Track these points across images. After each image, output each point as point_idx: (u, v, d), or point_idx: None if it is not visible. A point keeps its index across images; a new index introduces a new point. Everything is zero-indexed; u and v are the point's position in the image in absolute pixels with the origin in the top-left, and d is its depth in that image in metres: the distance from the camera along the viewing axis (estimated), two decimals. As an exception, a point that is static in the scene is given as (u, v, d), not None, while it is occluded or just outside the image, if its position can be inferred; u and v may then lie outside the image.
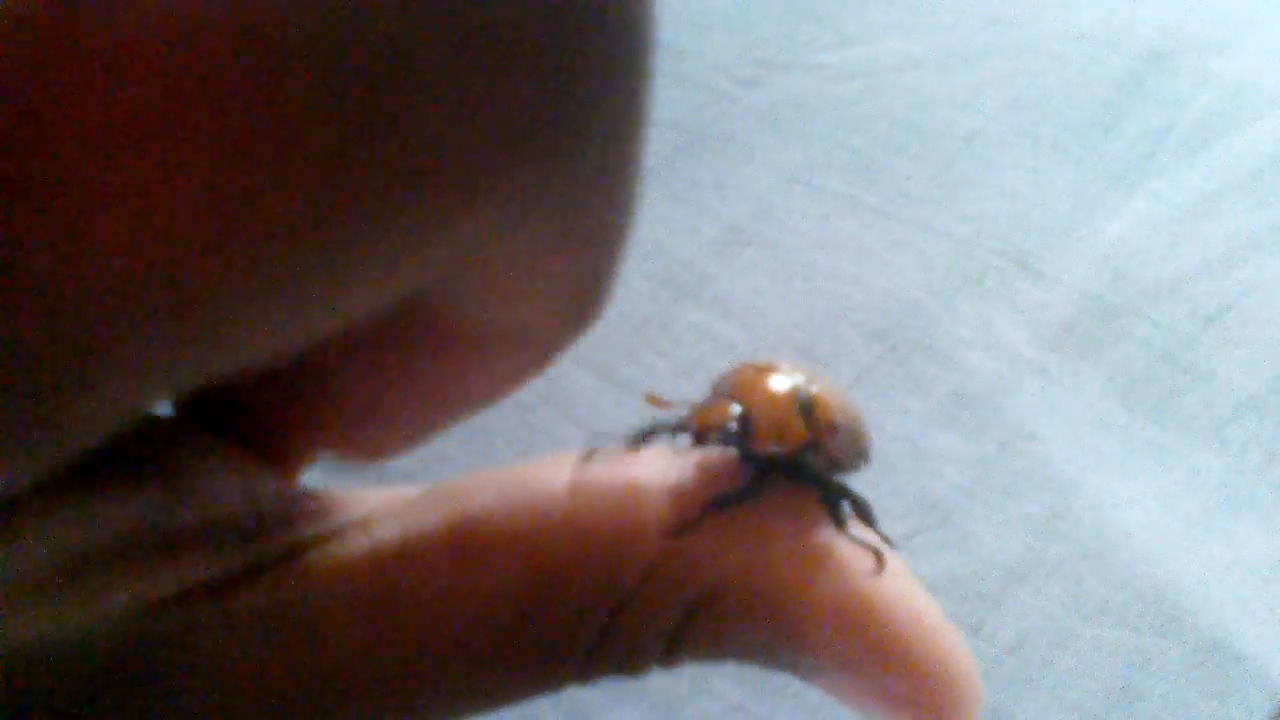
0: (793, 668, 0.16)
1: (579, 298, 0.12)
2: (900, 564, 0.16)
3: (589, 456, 0.15)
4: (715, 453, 0.16)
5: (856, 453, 0.18)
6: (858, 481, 0.28)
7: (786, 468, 0.16)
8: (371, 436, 0.14)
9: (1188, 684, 0.25)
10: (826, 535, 0.16)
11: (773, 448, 0.16)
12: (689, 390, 0.17)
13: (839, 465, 0.18)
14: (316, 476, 0.16)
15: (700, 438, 0.16)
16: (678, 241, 0.29)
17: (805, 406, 0.17)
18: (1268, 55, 0.38)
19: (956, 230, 0.34)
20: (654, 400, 0.17)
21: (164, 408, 0.14)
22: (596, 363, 0.29)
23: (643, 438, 0.17)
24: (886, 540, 0.17)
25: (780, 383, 0.17)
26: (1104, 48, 0.38)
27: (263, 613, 0.14)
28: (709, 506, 0.16)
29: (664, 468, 0.15)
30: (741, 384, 0.17)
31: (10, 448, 0.09)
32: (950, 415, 0.29)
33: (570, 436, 0.28)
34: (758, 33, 0.39)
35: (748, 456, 0.16)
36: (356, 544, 0.15)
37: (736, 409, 0.16)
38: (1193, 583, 0.27)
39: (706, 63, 0.38)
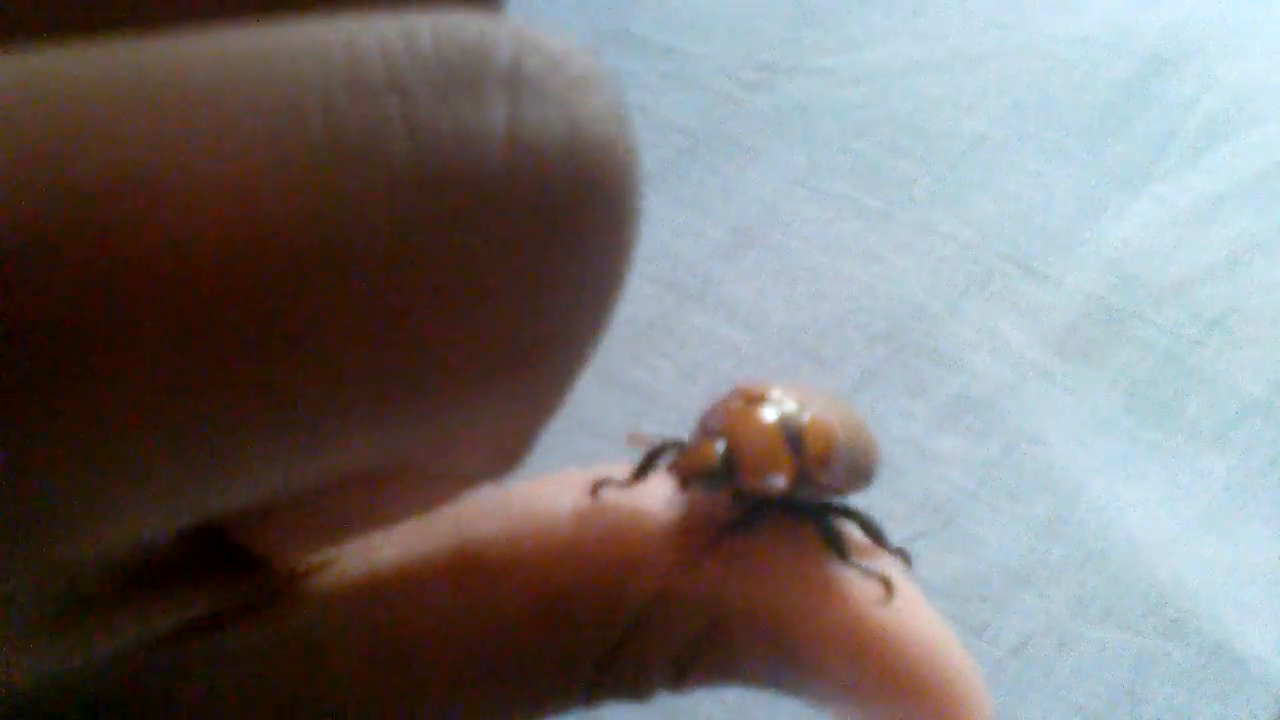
0: (800, 693, 0.16)
1: (512, 452, 0.12)
2: (909, 585, 0.16)
3: (593, 486, 0.15)
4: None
5: (858, 476, 0.18)
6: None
7: (783, 501, 0.16)
8: (292, 545, 0.14)
9: (1191, 686, 0.25)
10: (833, 563, 0.16)
11: (762, 485, 0.16)
12: (694, 392, 0.17)
13: (840, 491, 0.17)
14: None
15: (687, 484, 0.16)
16: (682, 245, 0.29)
17: (794, 438, 0.16)
18: (1272, 59, 0.38)
19: (961, 233, 0.34)
20: (635, 439, 0.17)
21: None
22: (601, 366, 0.29)
23: (643, 469, 0.16)
24: (904, 556, 0.17)
25: (768, 414, 0.16)
26: (1108, 52, 0.38)
27: (261, 644, 0.14)
28: (709, 543, 0.15)
29: (668, 494, 0.15)
30: (728, 417, 0.16)
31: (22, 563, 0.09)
32: (954, 418, 0.29)
33: (574, 439, 0.28)
34: (762, 37, 0.39)
35: (739, 494, 0.16)
36: (355, 567, 0.14)
37: (721, 447, 0.16)
38: (1197, 585, 0.27)
39: (711, 66, 0.38)
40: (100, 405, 0.08)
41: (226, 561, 0.13)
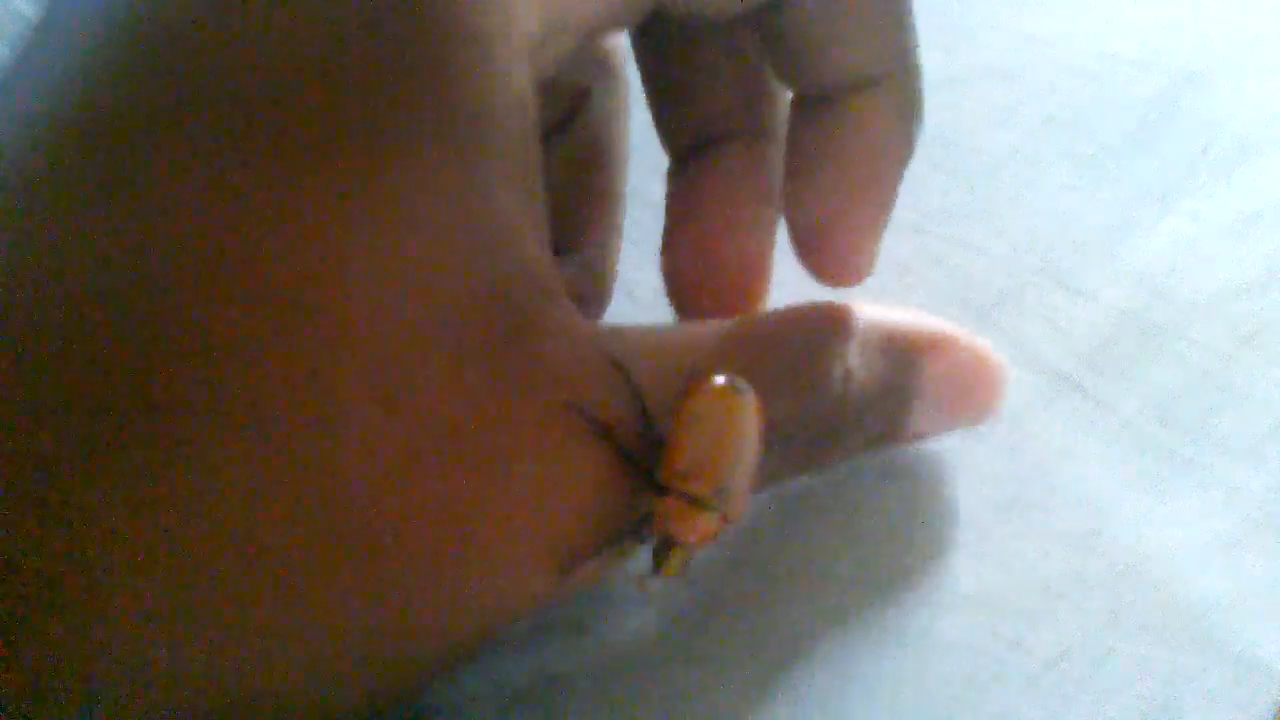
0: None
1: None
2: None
3: None
4: None
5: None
6: (893, 500, 0.28)
7: None
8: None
9: (1227, 702, 0.25)
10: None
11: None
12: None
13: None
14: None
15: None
16: (717, 255, 0.29)
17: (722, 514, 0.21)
18: (1305, 76, 0.38)
19: (993, 246, 0.34)
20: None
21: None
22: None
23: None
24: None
25: (709, 518, 0.21)
26: (1140, 68, 0.38)
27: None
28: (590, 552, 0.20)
29: None
30: (676, 524, 0.21)
31: None
32: (988, 431, 0.29)
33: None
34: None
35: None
36: None
37: (678, 557, 0.21)
38: (1232, 601, 0.27)
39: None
40: None
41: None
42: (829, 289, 0.27)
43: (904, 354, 0.25)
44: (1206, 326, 0.32)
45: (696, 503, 0.20)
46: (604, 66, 0.27)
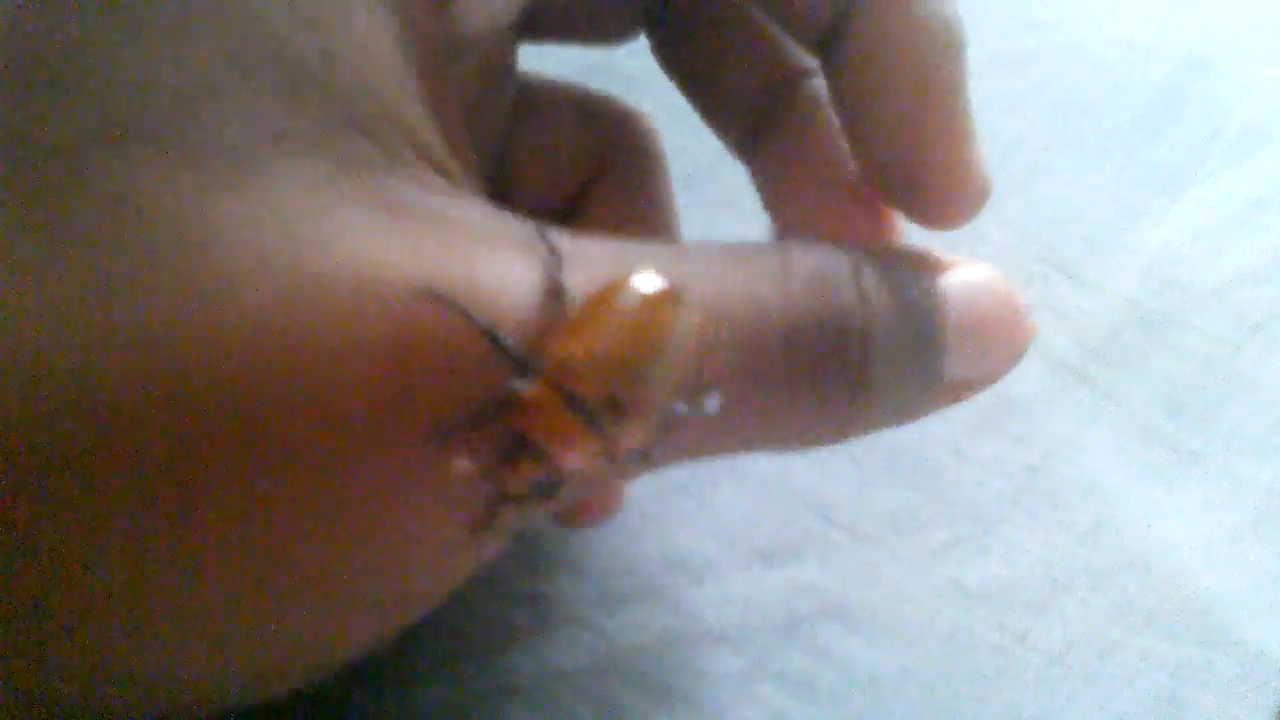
0: None
1: None
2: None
3: None
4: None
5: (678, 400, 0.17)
6: (899, 493, 0.28)
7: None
8: None
9: (1234, 695, 0.25)
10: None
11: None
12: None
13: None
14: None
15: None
16: (720, 247, 0.29)
17: (605, 432, 0.16)
18: (1314, 62, 0.38)
19: (999, 236, 0.34)
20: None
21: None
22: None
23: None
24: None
25: (582, 431, 0.16)
26: (1147, 54, 0.38)
27: None
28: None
29: None
30: (540, 427, 0.16)
31: None
32: (994, 423, 0.29)
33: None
34: (798, 38, 0.39)
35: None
36: None
37: (541, 474, 0.16)
38: (1239, 593, 0.27)
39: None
40: None
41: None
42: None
43: (925, 272, 0.21)
44: (1214, 316, 0.32)
45: (572, 406, 0.15)
46: (629, 131, 0.28)
